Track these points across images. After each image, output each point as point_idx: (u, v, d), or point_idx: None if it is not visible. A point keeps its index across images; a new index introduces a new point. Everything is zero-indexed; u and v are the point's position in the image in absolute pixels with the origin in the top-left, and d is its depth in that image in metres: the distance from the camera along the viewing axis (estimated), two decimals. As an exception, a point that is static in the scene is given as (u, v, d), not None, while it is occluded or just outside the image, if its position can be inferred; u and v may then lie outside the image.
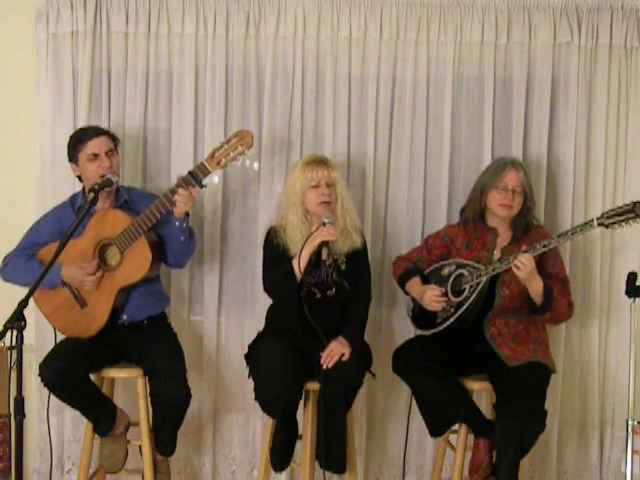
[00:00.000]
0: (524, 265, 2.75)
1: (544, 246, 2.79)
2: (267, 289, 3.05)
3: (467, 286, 2.94)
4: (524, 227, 3.01)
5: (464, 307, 2.93)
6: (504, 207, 2.97)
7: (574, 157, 3.38)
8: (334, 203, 2.99)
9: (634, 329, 2.80)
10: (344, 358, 2.82)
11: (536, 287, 2.82)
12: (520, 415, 2.72)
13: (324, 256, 2.90)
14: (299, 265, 2.87)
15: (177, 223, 2.91)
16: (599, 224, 2.72)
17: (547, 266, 2.94)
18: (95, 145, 2.94)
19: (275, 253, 3.00)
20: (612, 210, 2.74)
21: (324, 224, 2.89)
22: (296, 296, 2.94)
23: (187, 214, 2.94)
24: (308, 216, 3.01)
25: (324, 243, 2.89)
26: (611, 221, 2.71)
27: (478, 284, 2.90)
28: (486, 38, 3.35)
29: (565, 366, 3.40)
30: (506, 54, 3.38)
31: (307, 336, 2.94)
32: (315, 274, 2.97)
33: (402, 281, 3.15)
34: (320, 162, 3.01)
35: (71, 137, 3.02)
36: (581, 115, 3.38)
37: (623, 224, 2.70)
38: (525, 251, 2.78)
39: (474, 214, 3.07)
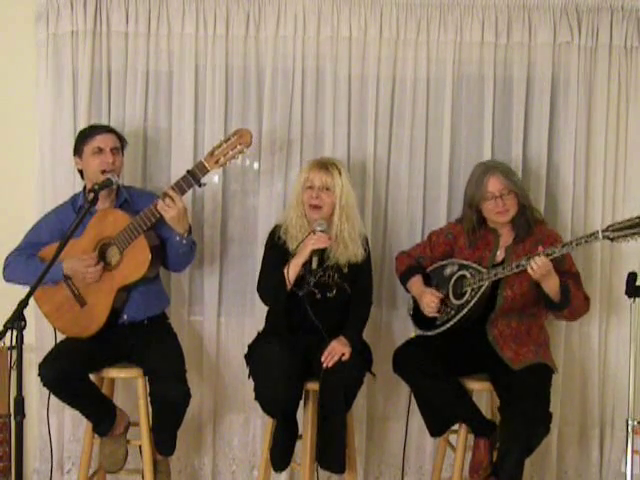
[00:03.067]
0: (539, 268, 2.74)
1: (547, 255, 2.77)
2: (259, 292, 3.07)
3: (468, 289, 2.93)
4: (527, 225, 3.00)
5: (464, 311, 2.92)
6: (500, 214, 2.97)
7: (574, 157, 3.37)
8: (327, 208, 2.98)
9: (634, 329, 2.80)
10: (344, 358, 2.82)
11: (553, 285, 2.81)
12: (526, 418, 2.71)
13: (314, 265, 2.88)
14: (288, 275, 2.89)
15: (177, 238, 2.91)
16: (604, 237, 2.69)
17: (556, 264, 2.92)
18: (102, 139, 2.96)
19: (275, 248, 3.02)
20: (618, 223, 2.70)
21: (314, 232, 2.89)
22: (283, 304, 2.95)
23: (189, 229, 2.95)
24: (307, 217, 3.02)
25: (315, 251, 2.88)
26: (617, 234, 2.67)
27: (480, 288, 2.90)
28: (486, 38, 3.35)
29: (565, 366, 3.40)
30: (506, 54, 3.38)
31: (307, 336, 2.95)
32: (317, 275, 2.97)
33: (404, 278, 3.15)
34: (321, 165, 3.01)
35: (81, 131, 3.06)
36: (581, 115, 3.37)
37: (628, 238, 2.67)
38: (540, 253, 2.76)
39: (471, 225, 3.06)
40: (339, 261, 2.99)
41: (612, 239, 2.69)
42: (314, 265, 2.89)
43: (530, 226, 3.00)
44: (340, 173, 3.00)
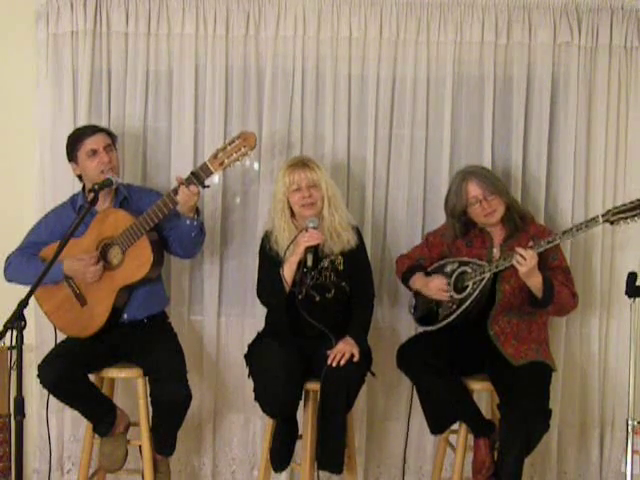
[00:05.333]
0: (525, 260, 2.75)
1: (548, 242, 2.80)
2: (259, 295, 3.07)
3: (470, 283, 2.94)
4: (515, 221, 3.00)
5: (467, 303, 2.93)
6: (488, 216, 2.98)
7: (574, 157, 3.37)
8: (319, 203, 2.98)
9: (634, 329, 2.80)
10: (355, 359, 2.80)
11: (535, 282, 2.82)
12: (525, 415, 2.72)
13: (309, 262, 2.86)
14: (284, 274, 2.88)
15: (187, 222, 2.91)
16: (604, 221, 2.73)
17: (548, 259, 2.93)
18: (93, 141, 2.95)
19: (268, 257, 3.01)
20: (617, 207, 2.75)
21: (306, 229, 2.89)
22: (285, 305, 2.94)
23: (197, 211, 2.95)
24: (294, 221, 3.01)
25: (309, 248, 2.87)
26: (616, 217, 2.73)
27: (481, 281, 2.91)
28: (486, 38, 3.34)
29: (565, 366, 3.40)
30: (506, 54, 3.38)
31: (307, 336, 2.94)
32: (313, 277, 2.96)
33: (406, 277, 3.16)
34: (300, 164, 3.00)
35: (69, 137, 3.03)
36: (581, 115, 3.37)
37: (628, 220, 2.72)
38: (531, 247, 2.78)
39: (455, 234, 3.08)
40: (334, 251, 2.98)
41: (612, 222, 2.73)
42: (309, 262, 2.87)
43: (518, 222, 3.00)
44: (319, 167, 3.01)
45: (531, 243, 2.81)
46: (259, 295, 3.06)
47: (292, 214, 3.02)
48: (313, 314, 2.90)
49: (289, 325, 2.98)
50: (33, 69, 3.35)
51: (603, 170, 3.39)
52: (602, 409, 3.47)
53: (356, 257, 3.04)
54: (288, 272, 2.90)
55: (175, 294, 3.38)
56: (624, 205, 2.74)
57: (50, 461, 3.19)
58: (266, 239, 3.05)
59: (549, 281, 2.85)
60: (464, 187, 2.99)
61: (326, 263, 2.99)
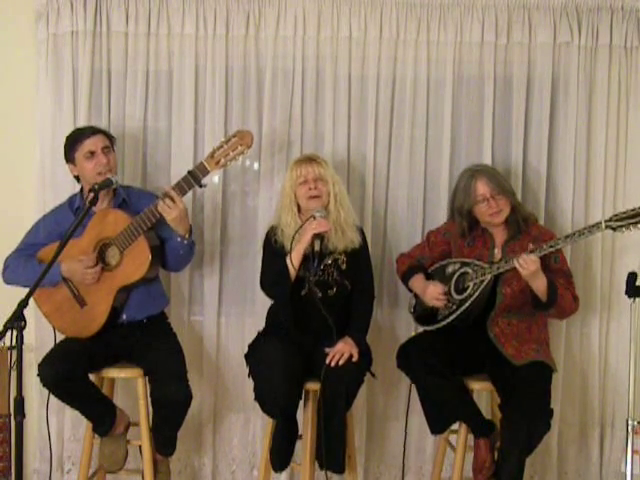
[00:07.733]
0: (527, 264, 2.75)
1: (550, 246, 2.79)
2: (262, 286, 3.07)
3: (471, 284, 2.94)
4: (518, 224, 3.01)
5: (466, 305, 2.93)
6: (494, 215, 2.98)
7: (574, 157, 3.38)
8: (325, 197, 3.00)
9: (634, 329, 2.80)
10: (354, 359, 2.81)
11: (540, 285, 2.83)
12: (527, 414, 2.73)
13: (316, 247, 2.90)
14: (292, 261, 2.89)
15: (178, 239, 2.91)
16: (607, 227, 2.73)
17: (550, 261, 2.94)
18: (91, 143, 2.95)
19: (273, 251, 3.01)
20: (621, 213, 2.74)
21: (314, 217, 2.90)
22: (289, 293, 2.95)
23: (190, 230, 2.94)
24: (302, 215, 3.02)
25: (316, 236, 2.89)
26: (619, 224, 2.72)
27: (482, 282, 2.91)
28: (486, 38, 3.35)
29: (565, 366, 3.41)
30: (506, 54, 3.38)
31: (308, 336, 2.94)
32: (316, 273, 2.97)
33: (405, 277, 3.16)
34: (307, 159, 3.04)
35: (67, 138, 3.03)
36: (581, 115, 3.38)
37: (631, 227, 2.71)
38: (531, 251, 2.78)
39: (461, 231, 3.07)
40: (339, 249, 2.99)
41: (614, 229, 2.73)
42: (316, 247, 2.90)
43: (521, 224, 3.01)
44: (326, 163, 3.05)
45: (531, 246, 2.81)
46: (262, 286, 3.06)
47: (299, 210, 3.03)
48: (315, 310, 2.90)
49: (293, 319, 2.98)
50: (33, 69, 3.35)
51: (603, 170, 3.39)
52: (602, 409, 3.48)
53: (359, 257, 3.05)
54: (295, 259, 2.90)
55: (175, 294, 3.38)
56: (630, 211, 2.72)
57: (50, 461, 3.18)
58: (271, 232, 3.06)
59: (553, 284, 2.85)
60: (473, 185, 2.99)
61: (330, 260, 3.00)
